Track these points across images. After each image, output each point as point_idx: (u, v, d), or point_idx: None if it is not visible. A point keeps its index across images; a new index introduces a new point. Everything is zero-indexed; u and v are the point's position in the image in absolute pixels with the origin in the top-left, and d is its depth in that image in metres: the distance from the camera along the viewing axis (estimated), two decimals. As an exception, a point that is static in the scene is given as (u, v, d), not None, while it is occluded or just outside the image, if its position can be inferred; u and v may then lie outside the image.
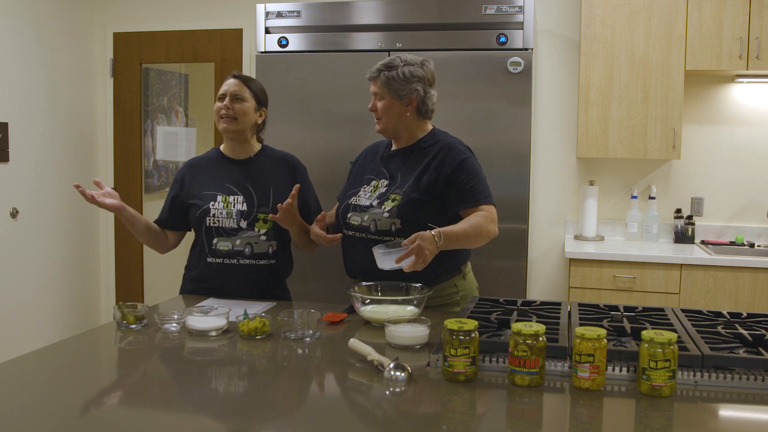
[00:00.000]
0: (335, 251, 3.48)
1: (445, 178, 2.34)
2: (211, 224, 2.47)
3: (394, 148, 2.50)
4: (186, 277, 2.61)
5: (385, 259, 2.10)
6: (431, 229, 2.14)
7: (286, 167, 2.62)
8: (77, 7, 4.45)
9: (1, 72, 3.87)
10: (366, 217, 2.37)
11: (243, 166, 2.56)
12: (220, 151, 2.62)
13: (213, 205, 2.48)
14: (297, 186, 2.42)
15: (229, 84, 2.53)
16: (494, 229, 2.32)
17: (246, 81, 2.55)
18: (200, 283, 2.53)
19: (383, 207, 2.36)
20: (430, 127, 2.50)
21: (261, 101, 2.58)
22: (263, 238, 2.48)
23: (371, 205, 2.38)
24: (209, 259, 2.49)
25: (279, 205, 2.39)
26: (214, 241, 2.47)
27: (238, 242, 2.46)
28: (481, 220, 2.28)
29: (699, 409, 1.50)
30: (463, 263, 2.49)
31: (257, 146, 2.62)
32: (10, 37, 3.92)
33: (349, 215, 2.41)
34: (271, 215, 2.46)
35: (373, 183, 2.45)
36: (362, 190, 2.46)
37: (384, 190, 2.40)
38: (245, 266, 2.48)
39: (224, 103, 2.50)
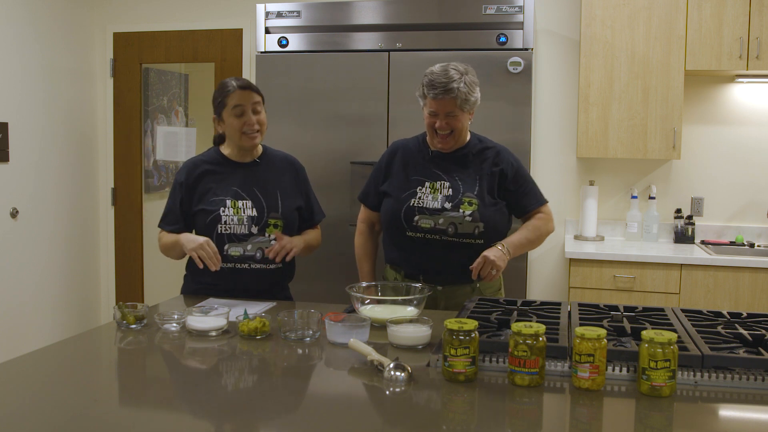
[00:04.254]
0: (336, 251, 3.48)
1: (509, 183, 2.48)
2: (223, 231, 2.44)
3: (436, 149, 2.51)
4: (191, 280, 2.58)
5: (339, 334, 1.93)
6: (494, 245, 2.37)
7: (290, 169, 2.62)
8: (77, 7, 4.45)
9: (1, 72, 3.87)
10: (441, 221, 2.40)
11: (249, 170, 2.54)
12: (222, 154, 2.57)
13: (223, 211, 2.45)
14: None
15: (244, 97, 2.45)
16: (553, 226, 2.58)
17: (255, 89, 2.49)
18: (209, 287, 2.50)
19: (461, 211, 2.40)
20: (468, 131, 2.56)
21: (264, 101, 2.56)
22: (273, 242, 2.47)
23: (443, 208, 2.41)
24: (220, 265, 2.46)
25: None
26: (226, 246, 2.45)
27: (249, 247, 2.45)
28: (540, 222, 2.51)
29: (699, 409, 1.50)
30: None
31: (260, 148, 2.60)
32: (10, 37, 3.92)
33: (416, 218, 2.43)
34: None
35: (427, 184, 2.46)
36: (419, 191, 2.46)
37: (449, 193, 2.43)
38: (255, 270, 2.47)
39: (249, 119, 2.44)
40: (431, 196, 2.44)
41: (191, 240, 2.39)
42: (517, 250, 2.43)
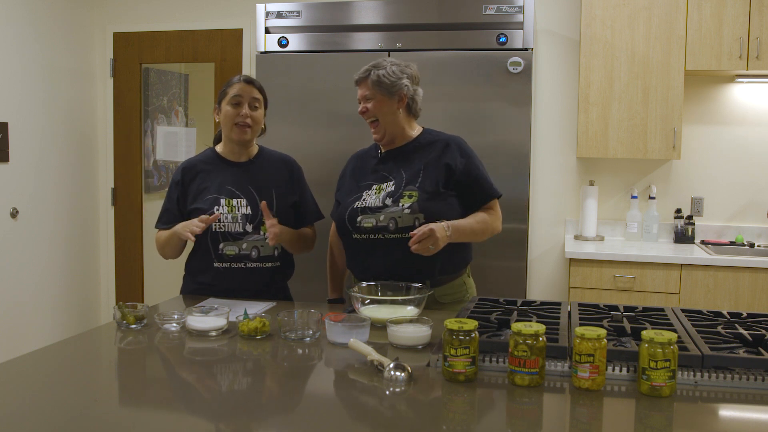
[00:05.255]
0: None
1: (460, 173, 2.41)
2: (217, 229, 2.45)
3: (384, 150, 2.51)
4: (189, 280, 2.58)
5: (339, 334, 1.92)
6: (439, 221, 2.27)
7: (285, 168, 2.62)
8: (77, 7, 4.45)
9: (1, 72, 3.87)
10: (382, 217, 2.36)
11: (243, 169, 2.55)
12: (218, 153, 2.59)
13: (217, 209, 2.46)
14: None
15: (244, 89, 2.48)
16: (499, 226, 2.48)
17: (257, 85, 2.52)
18: (207, 287, 2.51)
19: (401, 204, 2.35)
20: (419, 127, 2.53)
21: (267, 105, 2.58)
22: (268, 241, 2.47)
23: (384, 205, 2.37)
24: (216, 264, 2.47)
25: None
26: (221, 246, 2.45)
27: (244, 246, 2.45)
28: (488, 217, 2.43)
29: (699, 409, 1.50)
30: (470, 261, 2.55)
31: (255, 148, 2.62)
32: (10, 37, 3.92)
33: (359, 218, 2.39)
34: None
35: (374, 187, 2.44)
36: (365, 194, 2.44)
37: (392, 190, 2.40)
38: (252, 269, 2.47)
39: (243, 110, 2.47)
40: (375, 196, 2.41)
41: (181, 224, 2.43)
42: (459, 236, 2.31)
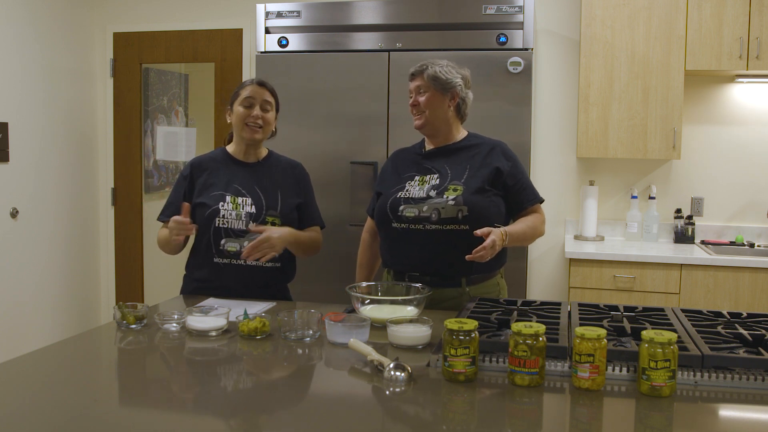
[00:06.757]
0: (335, 251, 3.47)
1: (507, 175, 2.44)
2: (220, 225, 2.46)
3: (430, 147, 2.53)
4: (189, 278, 2.59)
5: (339, 334, 1.92)
6: (497, 227, 2.27)
7: (292, 172, 2.64)
8: (77, 7, 4.45)
9: (1, 72, 3.87)
10: (425, 208, 2.36)
11: (251, 169, 2.57)
12: (228, 153, 2.61)
13: (222, 205, 2.48)
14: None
15: (257, 91, 2.51)
16: (544, 229, 2.51)
17: (269, 88, 2.55)
18: (205, 284, 2.52)
19: (445, 197, 2.37)
20: (465, 131, 2.56)
21: (278, 108, 2.60)
22: None
23: (428, 196, 2.39)
24: (216, 260, 2.48)
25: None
26: (222, 241, 2.46)
27: (245, 243, 2.45)
28: (537, 221, 2.47)
29: (699, 409, 1.50)
30: (504, 263, 2.56)
31: (264, 151, 2.63)
32: (10, 37, 3.92)
33: (401, 208, 2.40)
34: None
35: (417, 178, 2.46)
36: (407, 185, 2.46)
37: (437, 183, 2.42)
38: (251, 267, 2.47)
39: (254, 111, 2.50)
40: (419, 187, 2.43)
41: None
42: (512, 242, 2.32)
